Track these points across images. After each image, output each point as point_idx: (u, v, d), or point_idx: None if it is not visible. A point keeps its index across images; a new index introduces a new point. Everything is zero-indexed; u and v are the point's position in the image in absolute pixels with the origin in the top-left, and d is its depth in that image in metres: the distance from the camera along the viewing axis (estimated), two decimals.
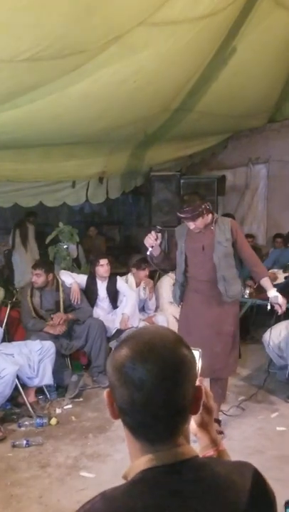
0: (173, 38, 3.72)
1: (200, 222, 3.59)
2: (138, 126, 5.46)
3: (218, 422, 3.88)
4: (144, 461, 0.88)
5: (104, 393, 0.94)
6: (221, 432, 3.80)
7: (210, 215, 3.66)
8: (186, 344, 0.93)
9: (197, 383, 0.94)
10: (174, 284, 4.05)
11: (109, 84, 3.97)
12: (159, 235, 3.62)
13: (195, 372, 0.93)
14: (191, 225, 3.62)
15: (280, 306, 3.79)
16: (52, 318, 4.83)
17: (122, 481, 0.93)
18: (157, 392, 0.86)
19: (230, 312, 3.75)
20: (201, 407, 0.95)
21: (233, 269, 3.70)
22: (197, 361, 0.97)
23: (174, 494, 0.84)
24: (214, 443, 1.09)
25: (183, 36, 3.77)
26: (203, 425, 1.09)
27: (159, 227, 3.70)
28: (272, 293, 3.80)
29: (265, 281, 3.80)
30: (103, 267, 5.31)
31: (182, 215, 3.63)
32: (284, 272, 5.85)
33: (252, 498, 0.87)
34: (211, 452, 1.06)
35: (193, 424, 1.07)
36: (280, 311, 3.84)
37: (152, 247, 3.64)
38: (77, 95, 3.96)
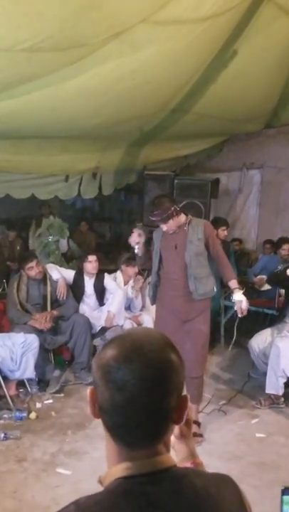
0: (174, 38, 3.70)
1: (171, 223, 3.69)
2: (134, 124, 5.43)
3: (198, 424, 3.88)
4: (120, 469, 0.85)
5: (88, 390, 0.92)
6: (200, 435, 3.80)
7: (182, 216, 3.76)
8: (175, 349, 0.91)
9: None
10: (149, 283, 4.17)
11: (108, 80, 3.94)
12: (141, 231, 3.80)
13: (181, 379, 0.90)
14: (164, 227, 3.74)
15: (241, 310, 3.79)
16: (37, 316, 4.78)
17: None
18: (138, 394, 0.83)
19: (200, 311, 3.81)
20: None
21: (204, 269, 3.78)
22: None
23: (151, 506, 0.81)
24: (192, 455, 1.08)
25: (184, 36, 3.75)
26: (181, 437, 1.08)
27: (140, 224, 3.75)
28: (238, 296, 3.81)
29: (233, 284, 3.85)
30: (91, 264, 5.29)
31: (153, 219, 3.74)
32: None
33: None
34: (188, 464, 1.05)
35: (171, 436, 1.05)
36: (240, 315, 3.86)
37: (138, 243, 3.80)
38: (74, 89, 3.92)
